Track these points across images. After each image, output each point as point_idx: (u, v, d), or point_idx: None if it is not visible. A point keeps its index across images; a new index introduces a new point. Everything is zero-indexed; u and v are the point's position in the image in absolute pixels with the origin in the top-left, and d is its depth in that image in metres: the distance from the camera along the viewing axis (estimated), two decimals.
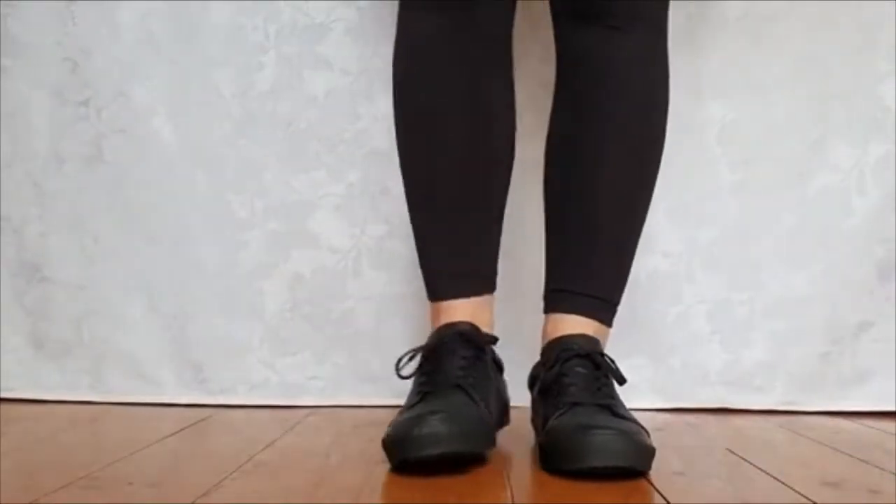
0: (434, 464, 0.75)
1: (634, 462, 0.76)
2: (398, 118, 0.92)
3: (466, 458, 0.78)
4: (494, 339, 0.91)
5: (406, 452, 0.76)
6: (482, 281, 0.93)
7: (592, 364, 0.85)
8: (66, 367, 1.20)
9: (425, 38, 0.89)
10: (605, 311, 0.92)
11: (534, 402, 0.91)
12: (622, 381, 0.87)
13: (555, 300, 0.93)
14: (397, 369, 0.87)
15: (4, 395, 1.18)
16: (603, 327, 0.92)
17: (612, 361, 0.87)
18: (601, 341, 0.91)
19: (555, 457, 0.78)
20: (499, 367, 0.93)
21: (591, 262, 0.93)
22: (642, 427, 0.80)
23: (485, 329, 0.90)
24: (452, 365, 0.84)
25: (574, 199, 0.93)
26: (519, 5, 0.93)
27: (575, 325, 0.90)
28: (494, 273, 0.95)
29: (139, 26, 1.18)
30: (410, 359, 0.87)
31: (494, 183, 0.94)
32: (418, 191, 0.92)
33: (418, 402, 0.82)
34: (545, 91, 1.00)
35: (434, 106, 0.90)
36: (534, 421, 0.90)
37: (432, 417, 0.75)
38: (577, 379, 0.84)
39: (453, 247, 0.92)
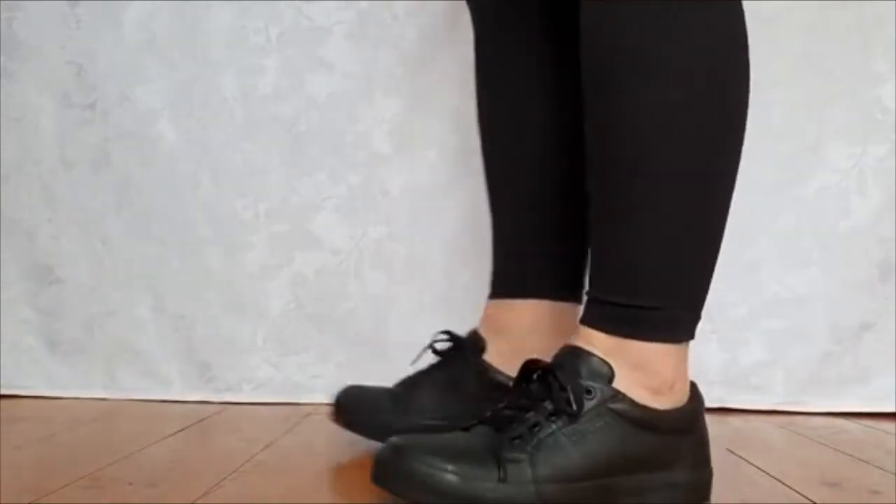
0: None
1: None
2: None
3: None
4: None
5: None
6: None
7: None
8: (79, 365, 1.21)
9: (478, 58, 0.92)
10: (613, 318, 0.69)
11: None
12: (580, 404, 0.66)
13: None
14: None
15: (20, 392, 1.21)
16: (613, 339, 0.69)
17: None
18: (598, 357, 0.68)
19: None
20: None
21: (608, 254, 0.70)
22: None
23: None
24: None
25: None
26: None
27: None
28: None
29: (142, 29, 1.19)
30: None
31: (558, 188, 0.88)
32: (505, 205, 0.91)
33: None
34: None
35: (490, 130, 0.91)
36: None
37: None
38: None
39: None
